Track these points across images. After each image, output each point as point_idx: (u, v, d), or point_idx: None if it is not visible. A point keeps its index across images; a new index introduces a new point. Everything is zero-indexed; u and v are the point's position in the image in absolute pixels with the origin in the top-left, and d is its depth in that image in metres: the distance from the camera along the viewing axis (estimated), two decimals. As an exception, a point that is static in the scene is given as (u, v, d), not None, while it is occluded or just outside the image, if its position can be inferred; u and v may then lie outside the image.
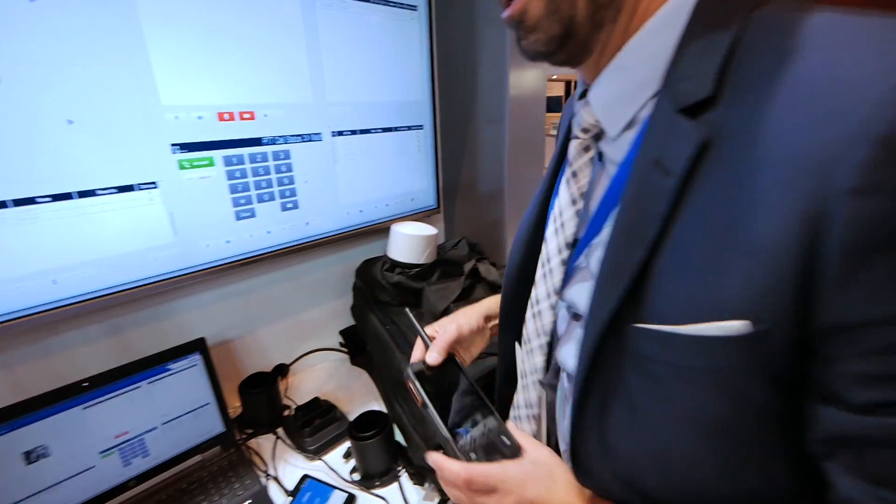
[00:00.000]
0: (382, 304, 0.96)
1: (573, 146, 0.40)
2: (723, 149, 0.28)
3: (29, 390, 0.70)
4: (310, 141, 0.95)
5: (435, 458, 0.46)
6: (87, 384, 0.73)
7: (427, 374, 0.53)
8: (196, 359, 0.85)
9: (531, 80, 1.17)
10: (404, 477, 0.82)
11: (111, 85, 0.70)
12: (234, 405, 0.98)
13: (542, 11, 0.33)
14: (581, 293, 0.40)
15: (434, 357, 0.54)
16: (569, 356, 0.43)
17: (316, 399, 0.98)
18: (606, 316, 0.33)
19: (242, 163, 0.87)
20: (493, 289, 0.88)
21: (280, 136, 0.90)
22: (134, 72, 0.72)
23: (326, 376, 1.11)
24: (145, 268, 0.81)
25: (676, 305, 0.30)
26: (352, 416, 0.85)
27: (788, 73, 0.26)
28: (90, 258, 0.74)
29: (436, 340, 0.56)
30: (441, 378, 0.53)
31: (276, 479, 0.83)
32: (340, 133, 0.99)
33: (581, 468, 0.40)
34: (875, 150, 0.22)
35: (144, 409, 0.79)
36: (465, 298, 0.85)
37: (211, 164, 0.83)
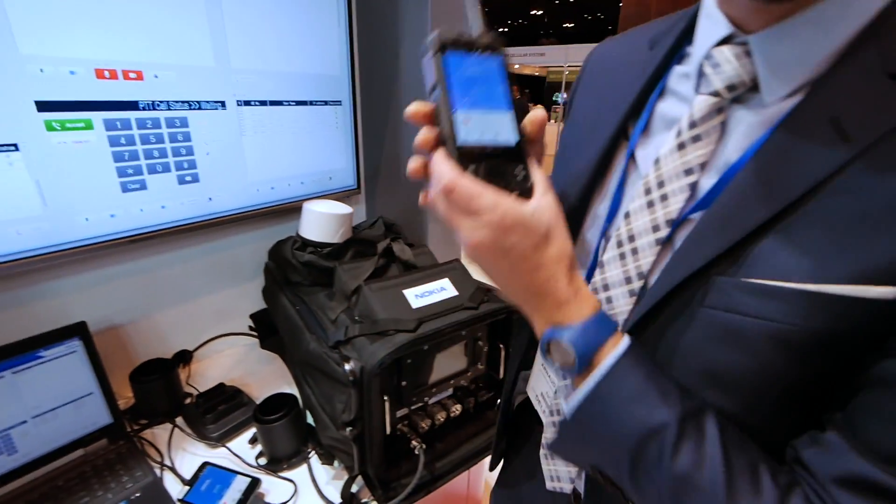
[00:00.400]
0: (294, 285, 0.93)
1: (703, 104, 0.34)
2: None
3: None
4: (212, 109, 0.88)
5: (435, 155, 0.34)
6: (-70, 375, 0.64)
7: (459, 44, 0.35)
8: (75, 345, 0.77)
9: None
10: (313, 458, 0.81)
11: (-47, 27, 0.60)
12: (127, 395, 0.90)
13: None
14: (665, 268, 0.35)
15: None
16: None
17: (221, 385, 0.93)
18: (699, 264, 0.31)
19: (129, 128, 0.78)
20: (407, 268, 0.88)
21: (175, 101, 0.83)
22: (-17, 13, 0.62)
23: (234, 362, 1.06)
24: (7, 242, 0.71)
25: (804, 264, 0.28)
26: (260, 401, 0.81)
27: None
28: (-70, 229, 0.64)
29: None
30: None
31: (172, 469, 0.78)
32: (248, 103, 0.93)
33: None
34: None
35: (9, 401, 0.70)
36: (379, 277, 0.84)
37: (89, 126, 0.74)
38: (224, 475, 0.75)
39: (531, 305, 0.36)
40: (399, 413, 0.76)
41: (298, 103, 1.03)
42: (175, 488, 0.73)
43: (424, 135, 0.34)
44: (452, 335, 0.75)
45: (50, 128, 0.70)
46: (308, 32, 1.01)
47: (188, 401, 0.91)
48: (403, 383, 0.73)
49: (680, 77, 0.38)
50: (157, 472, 0.77)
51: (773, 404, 0.32)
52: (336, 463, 0.79)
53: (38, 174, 0.71)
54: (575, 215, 0.43)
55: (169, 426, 0.86)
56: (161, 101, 0.81)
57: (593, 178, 0.42)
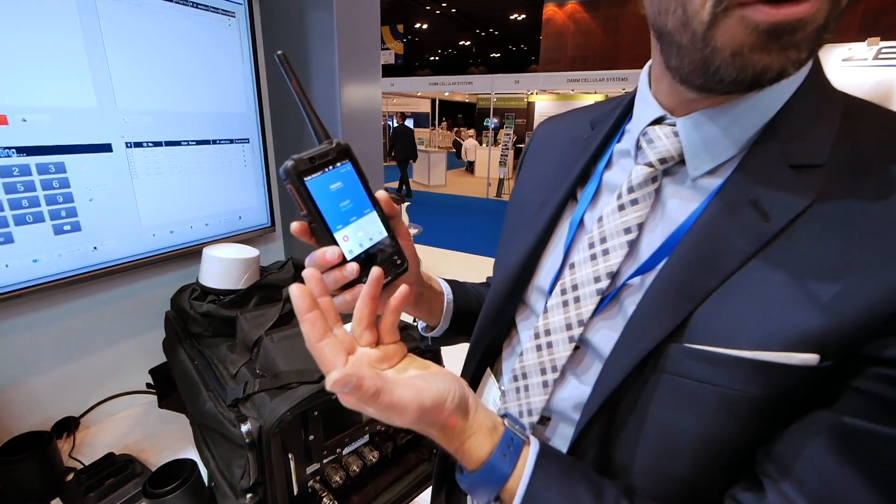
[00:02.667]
0: (196, 336, 0.87)
1: (640, 172, 0.39)
2: (824, 208, 0.32)
3: None
4: (94, 152, 0.82)
5: (355, 361, 0.35)
6: None
7: (310, 167, 0.37)
8: (-83, 428, 0.66)
9: (364, 97, 1.18)
10: (217, 528, 0.74)
11: None
12: (-9, 478, 0.78)
13: (820, 23, 0.28)
14: (605, 331, 0.39)
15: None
16: (564, 392, 0.42)
17: (110, 455, 0.84)
18: (660, 337, 0.34)
19: (-11, 177, 0.70)
20: (317, 311, 0.85)
21: (48, 147, 0.76)
22: None
23: (132, 425, 0.96)
24: None
25: (741, 332, 0.32)
26: (154, 470, 0.73)
27: (892, 163, 0.31)
28: None
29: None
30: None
31: (43, 562, 0.68)
32: (139, 144, 0.88)
33: None
34: None
35: None
36: (285, 325, 0.81)
37: (-64, 177, 0.66)
38: (107, 562, 0.67)
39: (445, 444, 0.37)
40: (309, 469, 0.72)
41: (200, 142, 0.99)
42: (46, 585, 0.64)
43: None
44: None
45: None
46: (209, 71, 0.98)
47: (69, 477, 0.80)
48: (311, 437, 0.70)
49: (621, 151, 0.44)
50: (25, 568, 0.66)
51: (725, 464, 0.35)
52: (241, 530, 0.73)
53: None
54: (525, 269, 0.47)
55: (43, 510, 0.75)
56: (31, 147, 0.74)
57: (540, 241, 0.47)
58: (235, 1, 1.01)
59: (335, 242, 0.37)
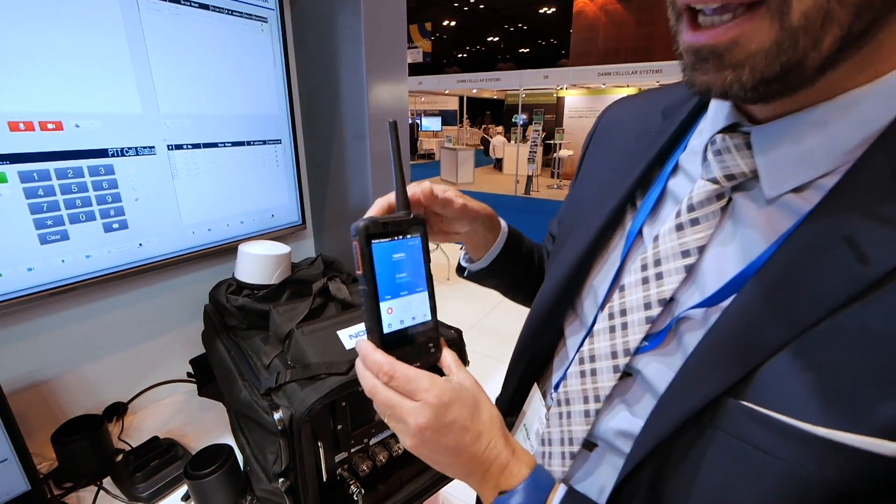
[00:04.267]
0: (232, 329, 0.91)
1: (703, 190, 0.34)
2: None
3: None
4: (140, 155, 0.87)
5: (362, 344, 0.39)
6: None
7: (383, 230, 0.38)
8: (-14, 408, 0.72)
9: (391, 97, 1.20)
10: (252, 510, 0.78)
11: None
12: (50, 457, 0.85)
13: (767, 43, 0.25)
14: (660, 364, 0.35)
15: (417, 191, 0.44)
16: (608, 420, 0.39)
17: (154, 438, 0.89)
18: (718, 390, 0.29)
19: (48, 179, 0.76)
20: (344, 307, 0.88)
21: (99, 150, 0.81)
22: None
23: (174, 411, 1.02)
24: None
25: (817, 402, 0.26)
26: (195, 454, 0.78)
27: None
28: None
29: (414, 186, 0.45)
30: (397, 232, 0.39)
31: (96, 535, 0.73)
32: (179, 146, 0.93)
33: None
34: None
35: None
36: (315, 318, 0.84)
37: (2, 180, 0.72)
38: (153, 537, 0.71)
39: (477, 477, 0.37)
40: (337, 458, 0.75)
41: (235, 144, 1.03)
42: (99, 556, 0.69)
43: None
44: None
45: (-43, 183, 0.68)
46: (243, 75, 1.02)
47: (118, 458, 0.87)
48: (339, 427, 0.72)
49: (691, 154, 0.38)
50: (80, 539, 0.72)
51: None
52: (274, 514, 0.77)
53: (-58, 232, 0.68)
54: (576, 277, 0.43)
55: (94, 489, 0.81)
56: (85, 150, 0.80)
57: (593, 248, 0.42)
58: (267, 7, 1.04)
59: (378, 311, 0.38)
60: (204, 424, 0.98)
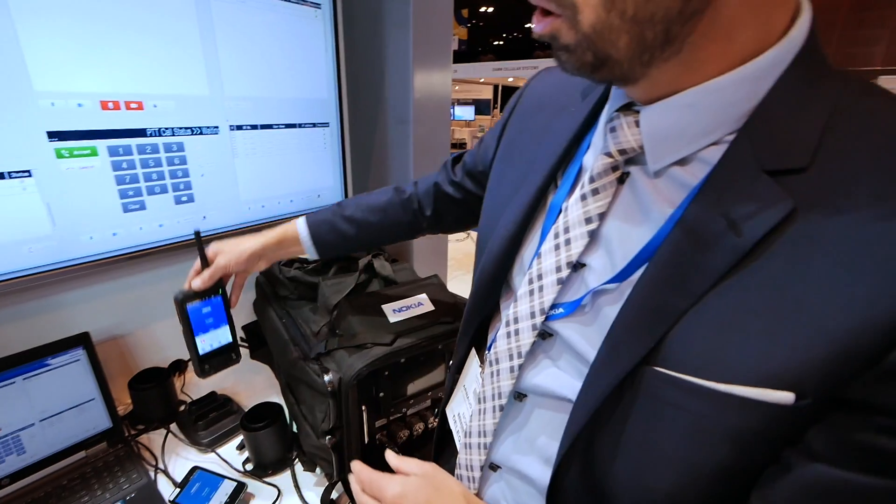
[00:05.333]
0: (282, 299, 0.99)
1: (601, 162, 0.37)
2: (806, 222, 0.28)
3: None
4: (206, 134, 0.95)
5: (354, 465, 0.50)
6: (-54, 382, 0.70)
7: (194, 297, 0.70)
8: (79, 354, 0.83)
9: (435, 84, 1.23)
10: (297, 465, 0.86)
11: (-28, 68, 0.67)
12: (126, 402, 0.96)
13: (573, 40, 0.31)
14: (580, 330, 0.39)
15: (198, 284, 0.70)
16: (531, 375, 0.43)
17: (213, 393, 0.99)
18: (634, 360, 0.33)
19: (130, 153, 0.85)
20: (387, 283, 0.94)
21: (172, 128, 0.89)
22: (0, 54, 0.69)
23: (227, 371, 1.10)
24: (20, 259, 0.77)
25: (715, 361, 0.30)
26: (248, 410, 0.87)
27: (886, 176, 0.27)
28: (-50, 249, 0.70)
29: (205, 271, 0.70)
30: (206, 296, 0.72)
31: (165, 472, 0.83)
32: (240, 127, 1.00)
33: (559, 490, 0.40)
34: None
35: (19, 405, 0.76)
36: (360, 292, 0.90)
37: (94, 153, 0.81)
38: (212, 479, 0.80)
39: None
40: (378, 423, 0.81)
41: (287, 126, 1.10)
42: (167, 490, 0.79)
43: None
44: (429, 349, 0.81)
45: (59, 155, 0.77)
46: (296, 59, 1.08)
47: (182, 408, 0.97)
48: (381, 394, 0.79)
49: (599, 132, 0.42)
50: (152, 474, 0.82)
51: (704, 485, 0.33)
52: (318, 470, 0.85)
53: (48, 198, 0.77)
54: (508, 254, 0.47)
55: (163, 432, 0.91)
56: (161, 128, 0.88)
57: (522, 227, 0.46)
58: (323, -6, 1.09)
59: (195, 343, 0.70)
60: (254, 384, 1.07)
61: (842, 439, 0.28)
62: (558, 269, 0.40)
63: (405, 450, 0.83)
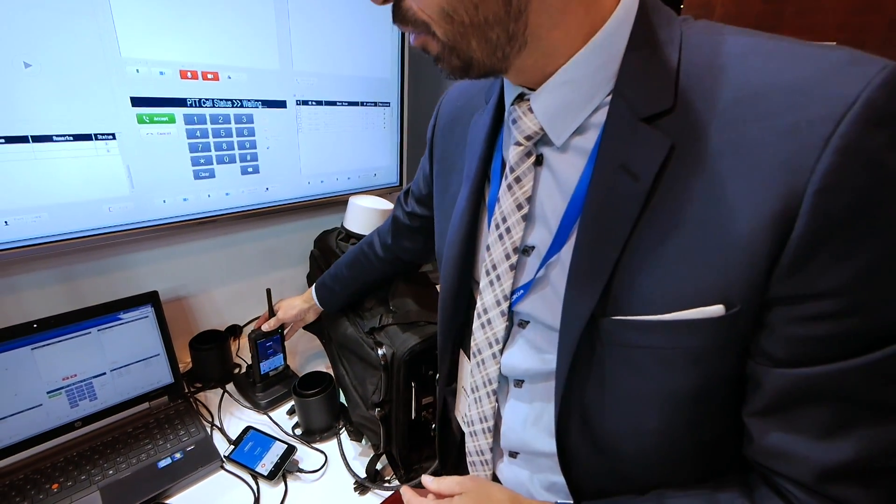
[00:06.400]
0: (336, 272, 1.01)
1: (515, 152, 0.40)
2: (686, 155, 0.32)
3: (-26, 328, 0.72)
4: (274, 107, 0.97)
5: (404, 491, 0.52)
6: (36, 326, 0.75)
7: (262, 337, 0.92)
8: (147, 311, 0.87)
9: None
10: (343, 434, 0.88)
11: (70, 31, 0.71)
12: (185, 360, 1.01)
13: (438, 50, 0.35)
14: (541, 304, 0.42)
15: (266, 328, 0.91)
16: (518, 361, 0.46)
17: (267, 358, 1.02)
18: (587, 314, 0.36)
19: (204, 122, 0.88)
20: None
21: (244, 100, 0.92)
22: (94, 20, 0.72)
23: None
24: (99, 218, 0.82)
25: (654, 296, 0.34)
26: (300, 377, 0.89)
27: (738, 87, 0.30)
28: (44, 203, 0.75)
29: (272, 320, 0.91)
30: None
31: (220, 429, 0.87)
32: (305, 102, 1.01)
33: (566, 452, 0.44)
34: (835, 158, 0.27)
35: (94, 354, 0.82)
36: (414, 271, 0.90)
37: (171, 120, 0.84)
38: (265, 439, 0.83)
39: None
40: (424, 401, 0.82)
41: (350, 104, 1.11)
42: (222, 446, 0.83)
43: None
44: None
45: (141, 120, 0.81)
46: (363, 38, 1.08)
47: (236, 371, 1.01)
48: (430, 372, 0.79)
49: (507, 126, 0.44)
50: (208, 430, 0.86)
51: (687, 410, 0.37)
52: (364, 441, 0.86)
53: (128, 160, 0.82)
54: (467, 257, 0.50)
55: (219, 391, 0.96)
56: (233, 99, 0.90)
57: (473, 223, 0.48)
58: (392, -29, 1.08)
59: (259, 365, 0.93)
60: (305, 354, 1.10)
61: (785, 339, 0.31)
62: (507, 257, 0.43)
63: (450, 431, 0.82)
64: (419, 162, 0.67)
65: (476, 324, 0.48)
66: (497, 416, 0.51)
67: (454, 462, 0.68)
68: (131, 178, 0.83)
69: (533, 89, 0.38)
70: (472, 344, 0.49)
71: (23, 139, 0.70)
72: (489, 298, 0.45)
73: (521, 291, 0.43)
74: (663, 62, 0.33)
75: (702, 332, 0.33)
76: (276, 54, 0.94)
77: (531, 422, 0.48)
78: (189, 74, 0.84)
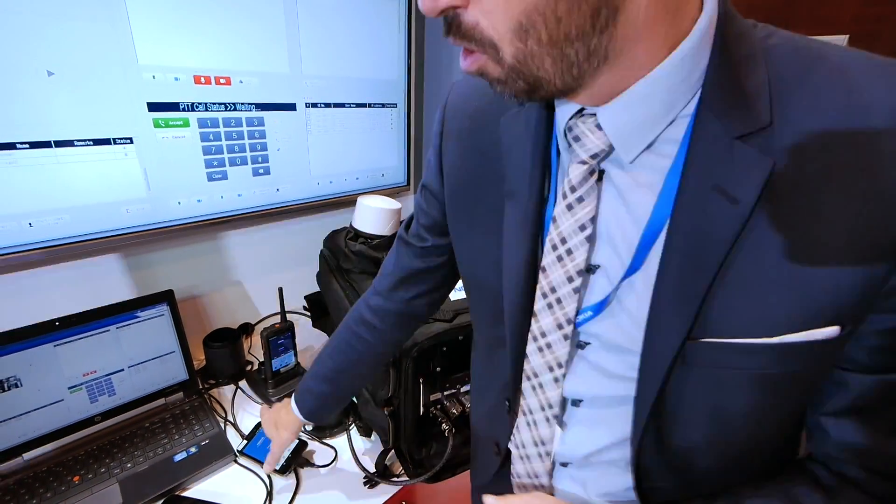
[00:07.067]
0: (345, 272, 1.02)
1: (577, 171, 0.37)
2: (786, 175, 0.30)
3: (0, 326, 0.74)
4: (284, 110, 0.99)
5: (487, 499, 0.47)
6: (58, 323, 0.78)
7: (274, 334, 0.96)
8: (163, 309, 0.90)
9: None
10: (353, 430, 0.90)
11: (90, 40, 0.74)
12: (199, 357, 1.04)
13: (501, 74, 0.32)
14: (613, 326, 0.40)
15: (269, 468, 0.75)
16: (581, 385, 0.44)
17: (278, 355, 1.04)
18: (679, 340, 0.35)
19: (217, 126, 0.91)
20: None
21: (255, 104, 0.94)
22: (113, 29, 0.75)
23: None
24: (118, 219, 0.85)
25: (754, 319, 0.33)
26: (309, 372, 0.91)
27: (840, 107, 0.30)
28: (65, 205, 0.78)
29: (275, 451, 0.74)
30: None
31: (234, 424, 0.90)
32: (314, 105, 1.04)
33: (641, 470, 0.43)
34: None
35: (112, 351, 0.84)
36: (421, 269, 0.91)
37: (186, 124, 0.87)
38: (277, 433, 0.86)
39: None
40: (432, 397, 0.83)
41: (358, 105, 1.13)
42: (235, 441, 0.85)
43: None
44: (485, 329, 0.81)
45: (157, 125, 0.83)
46: (370, 41, 1.10)
47: (249, 368, 1.03)
48: (438, 369, 0.80)
49: (562, 140, 0.40)
50: (222, 425, 0.89)
51: (773, 427, 0.38)
52: (373, 436, 0.88)
53: (145, 163, 0.84)
54: (531, 277, 0.44)
55: (232, 387, 0.98)
56: (245, 103, 0.93)
57: (535, 248, 0.43)
58: (399, -25, 1.10)
59: (272, 364, 0.95)
60: (315, 352, 1.12)
61: (871, 348, 0.33)
62: (570, 280, 0.40)
63: (456, 426, 0.84)
64: (426, 162, 0.57)
65: (531, 347, 0.45)
66: (553, 441, 0.48)
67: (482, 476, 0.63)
68: (148, 180, 0.86)
69: (593, 106, 0.36)
70: (527, 367, 0.46)
71: (46, 144, 0.73)
72: (548, 322, 0.42)
73: (590, 313, 0.41)
74: (753, 76, 0.31)
75: (811, 352, 0.33)
76: (285, 58, 0.96)
77: (593, 440, 0.46)
78: (203, 79, 0.86)
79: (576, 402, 0.46)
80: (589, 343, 0.43)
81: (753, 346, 0.33)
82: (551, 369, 0.44)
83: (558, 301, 0.41)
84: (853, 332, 0.33)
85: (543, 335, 0.43)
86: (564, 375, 0.44)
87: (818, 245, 0.30)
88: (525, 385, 0.47)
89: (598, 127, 0.35)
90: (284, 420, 0.73)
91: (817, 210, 0.30)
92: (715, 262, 0.33)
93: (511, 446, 0.53)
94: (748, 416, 0.37)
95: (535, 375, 0.46)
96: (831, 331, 0.32)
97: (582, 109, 0.36)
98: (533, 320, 0.44)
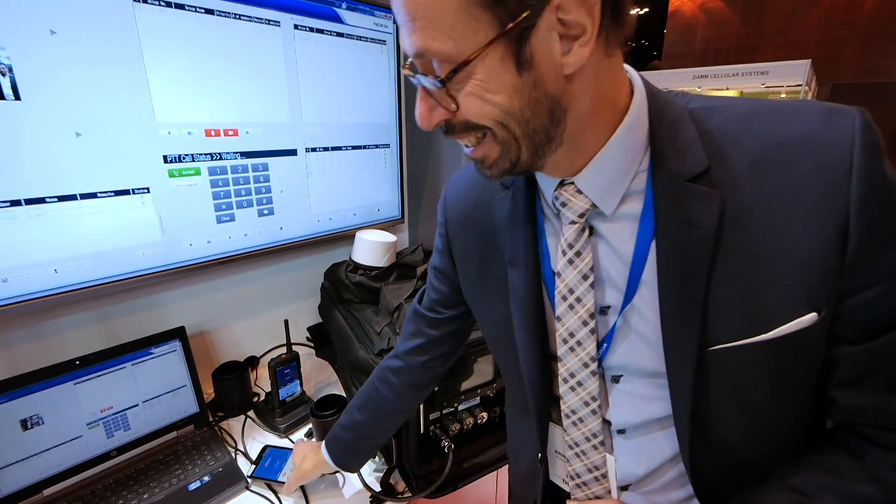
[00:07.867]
0: (346, 302, 1.09)
1: (571, 230, 0.45)
2: (736, 201, 0.39)
3: (24, 367, 0.80)
4: (286, 155, 1.08)
5: None
6: (78, 363, 0.83)
7: (281, 364, 1.00)
8: (175, 345, 0.95)
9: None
10: (359, 452, 0.94)
11: (114, 103, 0.83)
12: (208, 391, 1.08)
13: (497, 155, 0.41)
14: (631, 352, 0.47)
15: (286, 492, 0.81)
16: (625, 416, 0.49)
17: (284, 385, 1.09)
18: (694, 352, 0.41)
19: (225, 173, 0.99)
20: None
21: (260, 151, 1.03)
22: (134, 94, 0.84)
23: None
24: (135, 262, 0.92)
25: (750, 320, 0.40)
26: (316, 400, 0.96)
27: (759, 144, 0.39)
28: (87, 251, 0.85)
29: (293, 479, 0.79)
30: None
31: (244, 453, 0.93)
32: (314, 149, 1.13)
33: (697, 478, 0.47)
34: (862, 184, 0.36)
35: (128, 387, 0.89)
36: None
37: (197, 173, 0.95)
38: (282, 452, 0.90)
39: None
40: (432, 415, 0.88)
41: (354, 147, 1.22)
42: (246, 467, 0.89)
43: None
44: (480, 349, 0.87)
45: (171, 175, 0.92)
46: (363, 89, 1.20)
47: (255, 399, 1.08)
48: (436, 389, 0.86)
49: (550, 208, 0.49)
50: (232, 454, 0.93)
51: (795, 394, 0.44)
52: (377, 457, 0.92)
53: (161, 210, 0.92)
54: (543, 340, 0.53)
55: (241, 418, 1.02)
56: (251, 151, 1.01)
57: (541, 303, 0.51)
58: (387, 32, 1.22)
59: (279, 393, 0.98)
60: (319, 380, 1.17)
61: (853, 322, 0.40)
62: (585, 323, 0.47)
63: (455, 442, 0.89)
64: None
65: (564, 388, 0.51)
66: (605, 464, 0.53)
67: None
68: (162, 225, 0.93)
69: (564, 177, 0.45)
70: (563, 407, 0.52)
71: (72, 197, 0.81)
72: (574, 363, 0.49)
73: (605, 345, 0.47)
74: (685, 133, 0.41)
75: (803, 338, 0.39)
76: (287, 109, 1.05)
77: (646, 462, 0.51)
78: (213, 132, 0.95)
79: (621, 431, 0.51)
80: (622, 375, 0.49)
81: (757, 344, 0.40)
82: (587, 404, 0.50)
83: (578, 343, 0.48)
84: (829, 314, 0.39)
85: (573, 375, 0.49)
86: (600, 406, 0.50)
87: (779, 251, 0.38)
88: (566, 423, 0.53)
89: (579, 191, 0.44)
90: (311, 458, 0.80)
91: (770, 224, 0.38)
92: (702, 279, 0.40)
93: (565, 481, 0.58)
94: (773, 403, 0.43)
95: (574, 412, 0.51)
96: (810, 317, 0.39)
97: (563, 181, 0.45)
98: (560, 365, 0.50)
